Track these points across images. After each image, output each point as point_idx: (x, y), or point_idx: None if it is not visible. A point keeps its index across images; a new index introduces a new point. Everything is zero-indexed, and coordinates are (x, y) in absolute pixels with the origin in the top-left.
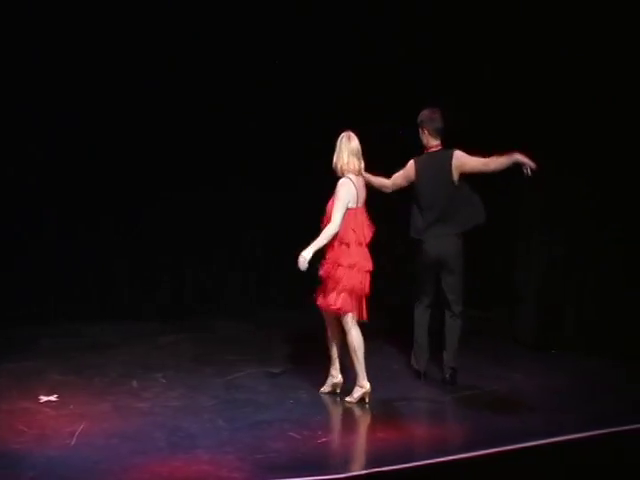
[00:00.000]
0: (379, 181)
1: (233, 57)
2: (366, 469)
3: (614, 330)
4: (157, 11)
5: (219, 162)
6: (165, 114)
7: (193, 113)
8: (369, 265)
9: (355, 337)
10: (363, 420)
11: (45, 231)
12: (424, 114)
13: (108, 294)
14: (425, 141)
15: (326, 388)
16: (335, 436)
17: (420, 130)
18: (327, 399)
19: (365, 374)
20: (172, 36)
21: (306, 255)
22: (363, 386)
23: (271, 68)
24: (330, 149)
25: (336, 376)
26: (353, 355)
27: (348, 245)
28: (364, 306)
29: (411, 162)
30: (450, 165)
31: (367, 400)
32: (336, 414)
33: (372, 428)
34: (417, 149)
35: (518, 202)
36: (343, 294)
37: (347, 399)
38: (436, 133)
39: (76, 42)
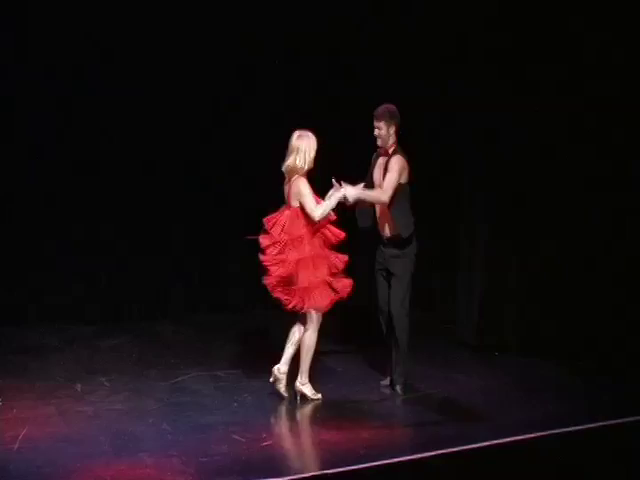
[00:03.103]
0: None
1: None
2: (310, 472)
3: (557, 331)
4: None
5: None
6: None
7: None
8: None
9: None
10: (307, 423)
11: None
12: (394, 110)
13: (50, 296)
14: (393, 140)
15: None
16: (279, 439)
17: (390, 127)
18: (272, 402)
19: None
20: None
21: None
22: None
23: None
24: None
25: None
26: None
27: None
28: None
29: (402, 159)
30: None
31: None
32: (280, 417)
33: (316, 431)
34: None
35: (461, 202)
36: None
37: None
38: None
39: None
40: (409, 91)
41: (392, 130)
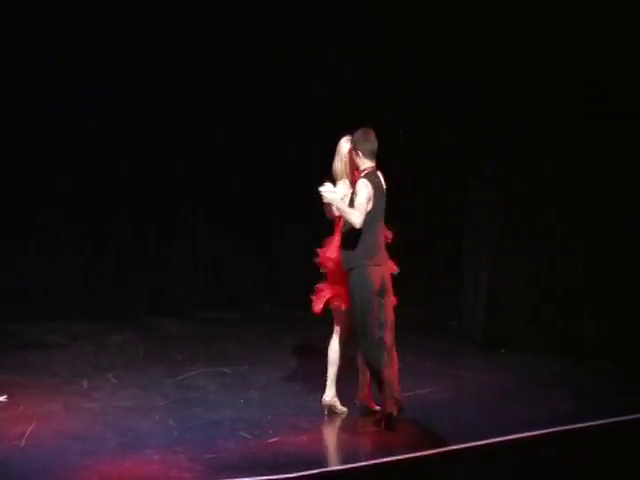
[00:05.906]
0: None
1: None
2: (316, 469)
3: (563, 329)
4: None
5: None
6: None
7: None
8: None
9: None
10: (313, 420)
11: None
12: (357, 135)
13: (55, 293)
14: (358, 163)
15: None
16: (285, 436)
17: (353, 152)
18: (278, 399)
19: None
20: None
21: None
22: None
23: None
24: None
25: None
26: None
27: None
28: None
29: (367, 182)
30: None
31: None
32: (286, 414)
33: (322, 428)
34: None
35: (465, 200)
36: None
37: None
38: (371, 154)
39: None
40: (409, 91)
41: (358, 155)
